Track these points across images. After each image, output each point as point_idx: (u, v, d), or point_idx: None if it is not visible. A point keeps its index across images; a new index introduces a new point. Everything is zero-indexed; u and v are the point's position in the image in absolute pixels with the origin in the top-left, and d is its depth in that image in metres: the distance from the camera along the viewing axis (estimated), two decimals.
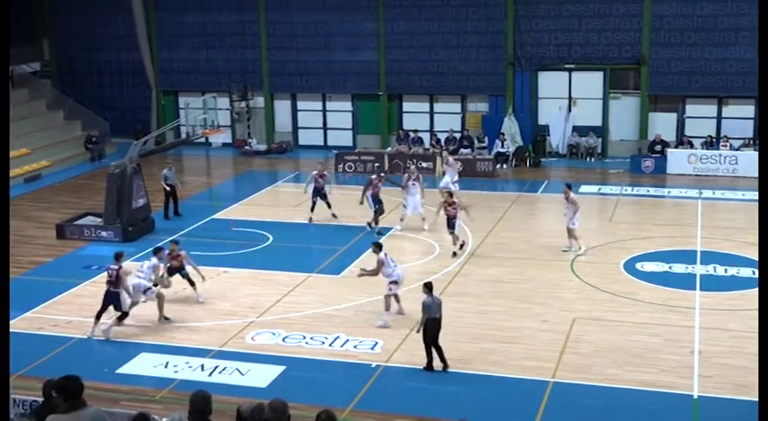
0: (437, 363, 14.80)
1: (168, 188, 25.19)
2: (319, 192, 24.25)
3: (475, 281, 19.50)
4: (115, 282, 16.42)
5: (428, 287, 14.92)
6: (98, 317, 16.62)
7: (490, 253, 21.54)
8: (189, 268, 18.39)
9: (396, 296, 17.10)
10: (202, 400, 8.00)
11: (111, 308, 16.60)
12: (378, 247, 17.24)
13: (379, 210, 23.33)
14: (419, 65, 33.89)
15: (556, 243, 21.83)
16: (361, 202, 23.52)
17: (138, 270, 17.25)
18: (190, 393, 8.18)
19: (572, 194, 21.40)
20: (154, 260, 17.43)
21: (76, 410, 7.65)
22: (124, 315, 16.65)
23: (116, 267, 16.46)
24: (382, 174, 25.27)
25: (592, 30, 32.12)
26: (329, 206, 24.40)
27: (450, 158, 26.66)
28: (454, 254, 21.13)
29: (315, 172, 24.36)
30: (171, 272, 18.22)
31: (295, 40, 35.09)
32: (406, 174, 24.02)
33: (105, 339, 16.43)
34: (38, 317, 17.57)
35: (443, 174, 26.85)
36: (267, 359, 15.38)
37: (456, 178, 25.82)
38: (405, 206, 23.57)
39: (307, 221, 24.30)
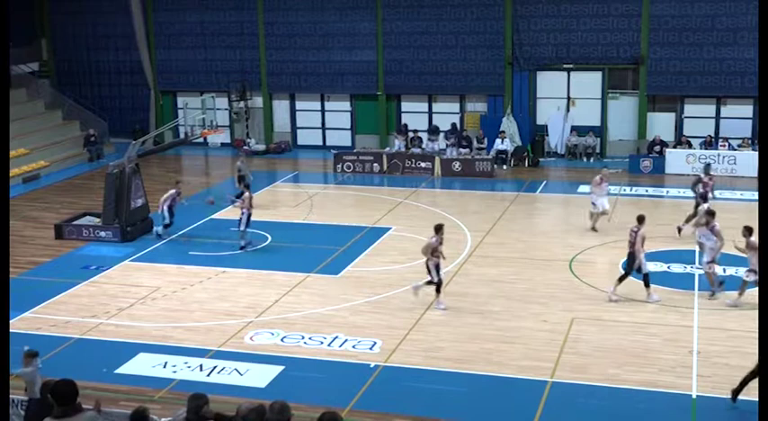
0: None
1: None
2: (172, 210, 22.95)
3: (474, 280, 19.49)
4: (633, 243, 17.84)
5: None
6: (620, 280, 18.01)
7: (489, 253, 21.54)
8: None
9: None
10: (196, 400, 7.95)
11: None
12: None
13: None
14: (418, 65, 33.89)
15: (555, 242, 21.83)
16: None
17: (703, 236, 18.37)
18: (189, 393, 8.19)
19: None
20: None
21: (70, 416, 7.65)
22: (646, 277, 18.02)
23: (636, 229, 17.84)
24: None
25: (590, 30, 32.12)
26: (168, 225, 22.93)
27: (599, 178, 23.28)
28: None
29: (173, 190, 23.01)
30: None
31: (294, 40, 35.08)
32: (599, 177, 23.11)
33: None
34: (36, 318, 17.55)
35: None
36: (266, 359, 15.36)
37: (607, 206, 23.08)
38: (593, 204, 23.00)
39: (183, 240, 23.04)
